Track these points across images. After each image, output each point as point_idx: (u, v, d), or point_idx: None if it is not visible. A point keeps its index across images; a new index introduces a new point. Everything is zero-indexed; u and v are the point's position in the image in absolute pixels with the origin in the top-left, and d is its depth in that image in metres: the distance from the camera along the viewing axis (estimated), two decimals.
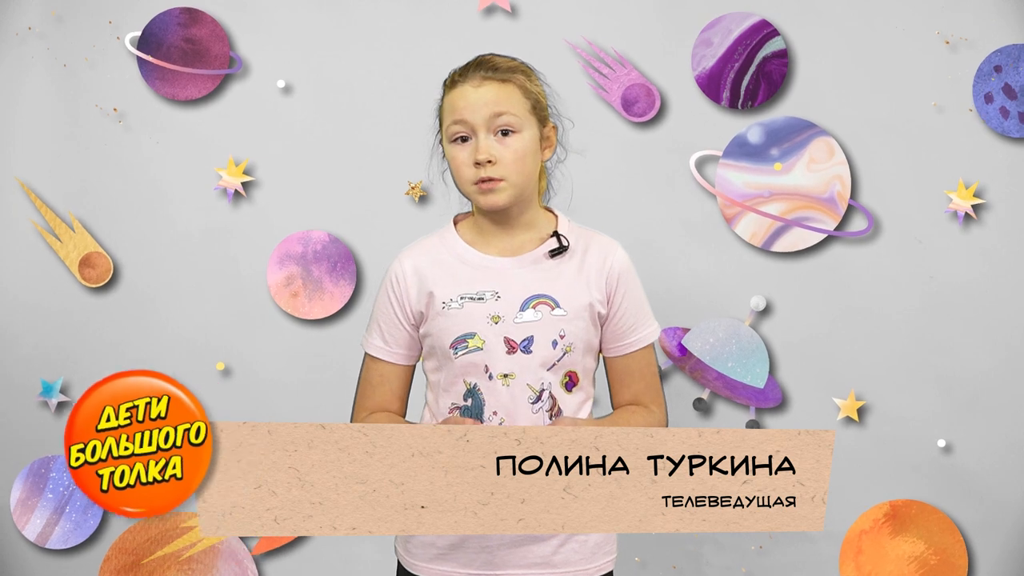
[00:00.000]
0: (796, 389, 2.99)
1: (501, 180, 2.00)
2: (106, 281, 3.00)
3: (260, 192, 3.02)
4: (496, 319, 2.01)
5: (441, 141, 2.09)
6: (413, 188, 2.97)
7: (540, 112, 2.07)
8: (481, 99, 2.00)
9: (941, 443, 2.96)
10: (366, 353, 2.13)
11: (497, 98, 2.01)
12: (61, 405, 3.02)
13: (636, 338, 2.10)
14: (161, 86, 2.98)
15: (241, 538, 3.03)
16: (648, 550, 3.03)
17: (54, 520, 3.01)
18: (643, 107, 2.94)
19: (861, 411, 2.97)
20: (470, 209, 2.13)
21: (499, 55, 2.08)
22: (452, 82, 2.06)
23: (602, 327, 2.09)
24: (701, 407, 2.99)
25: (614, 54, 2.94)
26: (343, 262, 2.99)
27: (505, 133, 2.01)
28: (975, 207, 2.91)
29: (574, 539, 2.07)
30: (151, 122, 3.00)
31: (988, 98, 2.90)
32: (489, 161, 1.99)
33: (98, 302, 3.02)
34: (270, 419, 3.02)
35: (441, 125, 2.07)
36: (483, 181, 1.99)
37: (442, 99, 2.08)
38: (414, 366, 2.14)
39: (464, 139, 2.01)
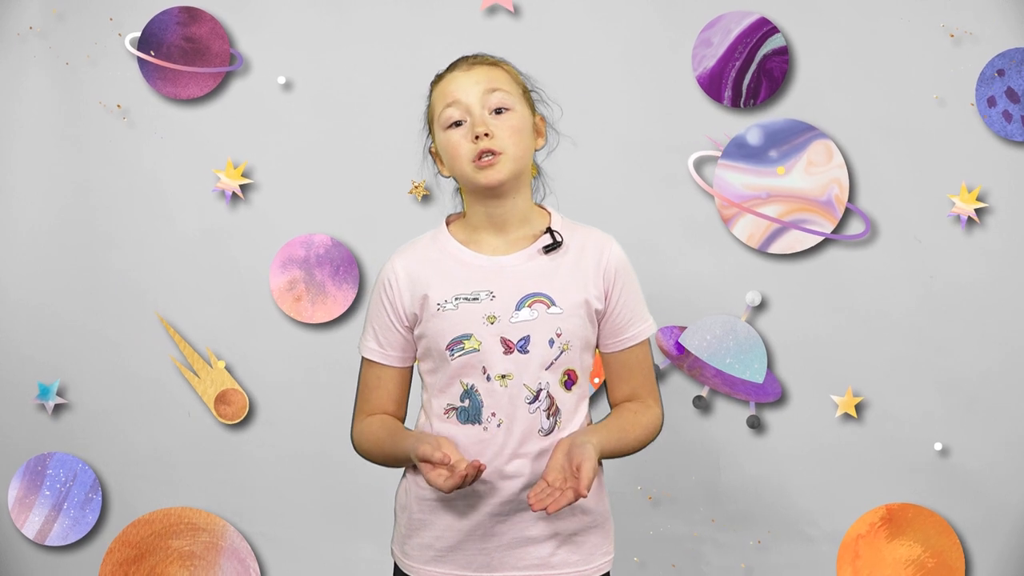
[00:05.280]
0: (794, 388, 2.99)
1: (500, 153, 1.99)
2: (242, 418, 3.02)
3: (262, 193, 3.01)
4: (492, 319, 2.00)
5: (431, 144, 2.10)
6: (416, 187, 2.97)
7: (530, 99, 2.09)
8: (473, 79, 2.02)
9: (938, 446, 2.96)
10: (363, 357, 2.13)
11: (489, 77, 2.03)
12: (58, 407, 3.03)
13: (634, 333, 2.09)
14: (162, 85, 2.98)
15: None
16: (647, 549, 3.03)
17: (52, 517, 3.01)
18: None
19: (859, 408, 2.97)
20: (462, 209, 2.13)
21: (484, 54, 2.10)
22: (439, 77, 2.08)
23: (599, 323, 2.08)
24: (701, 405, 3.00)
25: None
26: (346, 266, 2.99)
27: (499, 112, 2.01)
28: (977, 211, 2.91)
29: (571, 540, 2.05)
30: (153, 120, 3.00)
31: (991, 102, 2.90)
32: (486, 134, 1.98)
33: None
34: (272, 421, 3.03)
35: (431, 122, 2.07)
36: (482, 156, 1.99)
37: (430, 99, 2.08)
38: (411, 368, 2.13)
39: (458, 124, 2.01)
